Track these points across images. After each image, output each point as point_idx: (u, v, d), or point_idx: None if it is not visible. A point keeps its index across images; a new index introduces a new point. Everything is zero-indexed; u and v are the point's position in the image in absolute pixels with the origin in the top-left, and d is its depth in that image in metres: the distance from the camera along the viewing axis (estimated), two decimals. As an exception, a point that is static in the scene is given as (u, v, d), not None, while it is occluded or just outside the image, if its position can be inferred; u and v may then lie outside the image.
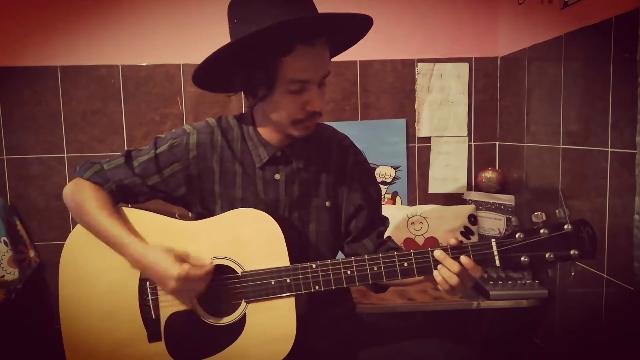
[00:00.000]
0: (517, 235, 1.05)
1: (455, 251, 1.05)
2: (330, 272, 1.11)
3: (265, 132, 1.22)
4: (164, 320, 1.17)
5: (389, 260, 1.09)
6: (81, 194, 1.19)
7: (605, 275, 1.48)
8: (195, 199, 1.24)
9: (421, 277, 1.11)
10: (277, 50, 1.06)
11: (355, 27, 1.16)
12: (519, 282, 1.85)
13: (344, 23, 1.12)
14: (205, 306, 1.16)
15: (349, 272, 1.11)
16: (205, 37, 2.10)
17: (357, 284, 1.12)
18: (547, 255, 1.03)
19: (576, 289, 1.66)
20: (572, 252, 1.02)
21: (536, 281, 1.85)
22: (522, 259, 1.04)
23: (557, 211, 1.04)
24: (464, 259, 1.04)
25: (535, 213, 1.05)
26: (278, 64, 1.07)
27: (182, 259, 1.11)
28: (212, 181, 1.23)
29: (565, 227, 1.03)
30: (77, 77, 2.12)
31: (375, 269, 1.10)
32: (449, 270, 1.04)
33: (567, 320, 1.73)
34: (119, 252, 1.15)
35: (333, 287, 1.11)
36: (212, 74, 1.16)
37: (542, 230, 1.04)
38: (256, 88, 1.13)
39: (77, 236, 1.21)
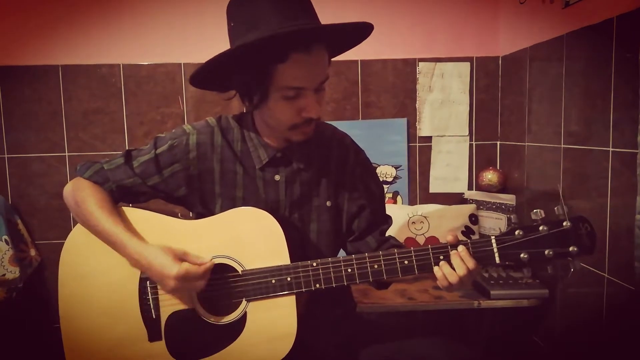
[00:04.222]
0: (516, 233, 1.05)
1: (454, 248, 1.06)
2: (331, 270, 1.11)
3: (265, 134, 1.22)
4: (164, 319, 1.17)
5: (389, 258, 1.10)
6: (81, 192, 1.19)
7: (606, 275, 1.48)
8: (195, 199, 1.24)
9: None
10: (271, 57, 1.05)
11: (356, 33, 1.15)
12: (519, 281, 1.84)
13: (343, 30, 1.10)
14: (205, 305, 1.16)
15: (349, 270, 1.11)
16: (206, 36, 2.10)
17: (358, 282, 1.12)
18: (546, 252, 1.04)
19: (577, 289, 1.66)
20: (571, 248, 1.03)
21: (537, 281, 1.85)
22: (522, 256, 1.04)
23: (555, 208, 1.04)
24: (462, 248, 1.05)
25: (534, 210, 1.05)
26: (272, 72, 1.06)
27: (181, 257, 1.11)
28: (213, 181, 1.23)
29: (564, 224, 1.03)
30: (78, 76, 2.12)
31: (376, 267, 1.10)
32: (452, 269, 1.05)
33: (567, 320, 1.72)
34: (118, 251, 1.15)
35: (334, 285, 1.12)
36: (210, 79, 1.15)
37: (541, 228, 1.04)
38: (251, 94, 1.12)
39: (77, 235, 1.21)
